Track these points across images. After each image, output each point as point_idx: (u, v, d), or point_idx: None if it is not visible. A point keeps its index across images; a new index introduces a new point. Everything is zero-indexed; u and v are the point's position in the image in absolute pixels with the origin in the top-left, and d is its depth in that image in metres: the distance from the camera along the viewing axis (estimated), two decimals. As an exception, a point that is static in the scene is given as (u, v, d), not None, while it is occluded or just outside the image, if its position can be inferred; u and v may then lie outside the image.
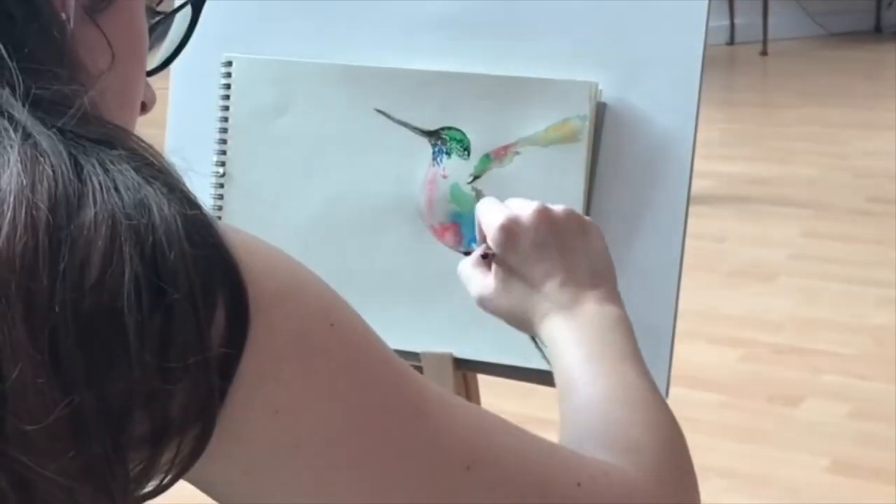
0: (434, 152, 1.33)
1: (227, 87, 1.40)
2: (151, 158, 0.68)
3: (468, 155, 1.32)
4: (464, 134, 1.32)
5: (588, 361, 0.96)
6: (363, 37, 1.39)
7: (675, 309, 1.27)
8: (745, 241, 3.84)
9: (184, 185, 0.68)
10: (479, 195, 1.32)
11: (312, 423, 0.67)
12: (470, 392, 1.38)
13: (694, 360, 2.92)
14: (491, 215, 1.06)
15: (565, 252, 1.04)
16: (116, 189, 0.63)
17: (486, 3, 1.34)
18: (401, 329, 1.33)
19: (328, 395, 0.68)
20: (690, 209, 1.28)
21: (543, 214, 1.04)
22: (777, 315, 3.27)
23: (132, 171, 0.65)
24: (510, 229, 1.04)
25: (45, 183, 0.62)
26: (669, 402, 1.29)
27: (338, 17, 1.39)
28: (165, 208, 0.65)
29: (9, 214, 0.61)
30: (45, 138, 0.64)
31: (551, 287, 1.03)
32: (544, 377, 1.31)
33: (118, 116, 0.77)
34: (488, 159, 1.32)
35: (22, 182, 0.62)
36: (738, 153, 4.71)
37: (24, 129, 0.64)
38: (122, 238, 0.62)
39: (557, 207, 1.05)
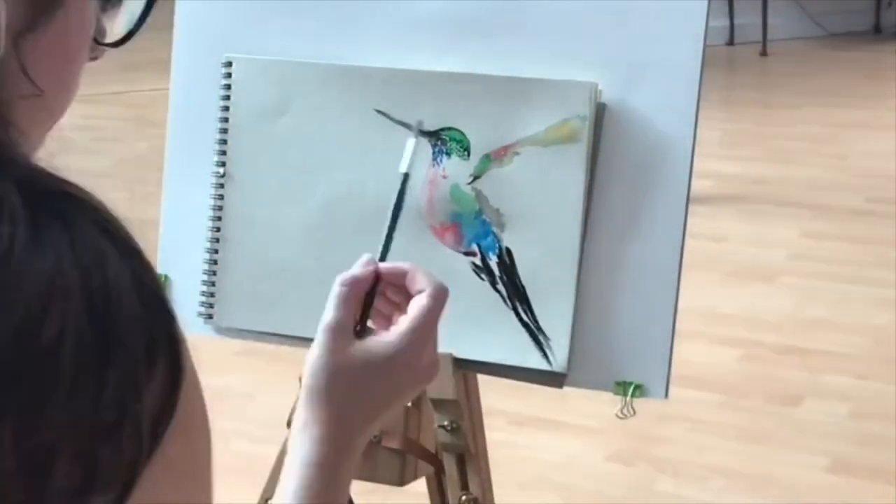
0: (434, 153, 1.33)
1: (228, 87, 1.40)
2: (101, 211, 0.66)
3: (468, 155, 1.32)
4: (464, 134, 1.32)
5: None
6: (363, 37, 1.39)
7: (675, 309, 1.28)
8: (745, 241, 3.84)
9: (134, 240, 0.66)
10: (479, 196, 1.32)
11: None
12: (470, 392, 1.38)
13: (694, 360, 2.91)
14: (425, 340, 0.99)
15: (388, 405, 0.99)
16: (72, 244, 0.61)
17: (486, 4, 1.34)
18: (401, 329, 1.33)
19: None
20: (690, 209, 1.28)
21: (426, 367, 0.99)
22: (777, 315, 3.27)
23: (88, 224, 0.63)
24: (410, 366, 0.98)
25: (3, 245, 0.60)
26: (669, 402, 1.30)
27: (338, 18, 1.39)
28: (118, 264, 0.63)
29: None
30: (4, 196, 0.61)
31: (346, 423, 0.97)
32: (544, 377, 1.31)
33: (46, 124, 0.75)
34: (488, 159, 1.32)
35: None
36: (738, 153, 4.71)
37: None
38: (68, 287, 0.60)
39: (427, 358, 0.99)
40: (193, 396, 0.67)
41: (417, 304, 0.99)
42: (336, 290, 1.00)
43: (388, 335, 0.98)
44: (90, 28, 0.76)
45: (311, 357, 0.98)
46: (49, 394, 0.60)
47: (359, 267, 1.02)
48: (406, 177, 1.11)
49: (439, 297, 1.00)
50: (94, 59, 0.79)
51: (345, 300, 1.00)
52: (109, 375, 0.61)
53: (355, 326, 0.99)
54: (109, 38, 0.80)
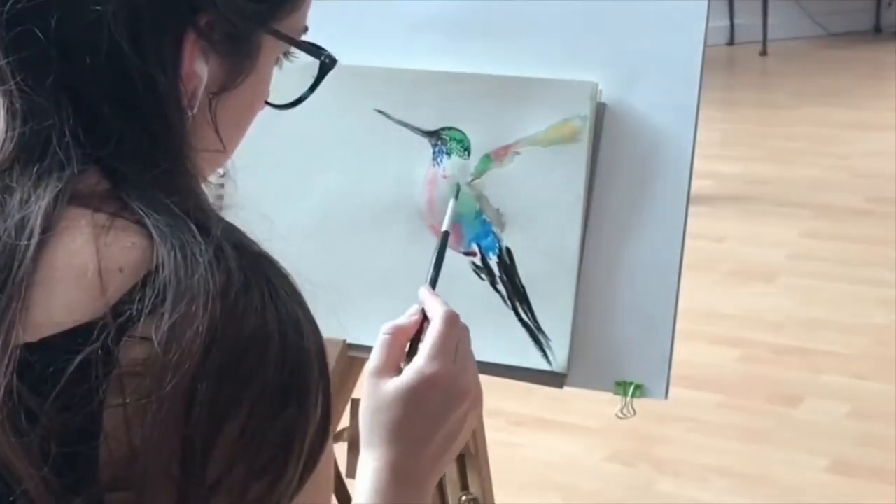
0: (434, 152, 1.33)
1: (227, 87, 1.40)
2: (288, 278, 0.77)
3: (468, 155, 1.32)
4: (464, 134, 1.32)
5: None
6: (363, 37, 1.39)
7: (675, 309, 1.27)
8: (745, 241, 3.84)
9: (309, 310, 0.77)
10: (479, 195, 1.32)
11: None
12: (470, 392, 1.38)
13: (694, 360, 2.91)
14: (440, 355, 1.01)
15: (447, 438, 1.01)
16: (276, 307, 0.71)
17: (487, 4, 1.34)
18: (401, 329, 1.33)
19: None
20: (690, 209, 1.28)
21: (462, 397, 1.01)
22: (777, 315, 3.27)
23: (285, 290, 0.74)
24: (435, 387, 1.00)
25: (226, 291, 0.70)
26: (669, 402, 1.30)
27: (337, 17, 1.39)
28: (312, 334, 0.74)
29: (193, 315, 0.68)
30: (230, 252, 0.72)
31: (412, 450, 0.99)
32: (544, 377, 1.31)
33: (215, 168, 0.87)
34: (488, 159, 1.32)
35: (209, 288, 0.69)
36: (738, 153, 4.71)
37: (216, 241, 0.72)
38: (276, 350, 0.70)
39: (477, 393, 1.03)
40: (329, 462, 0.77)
41: (429, 332, 1.02)
42: (380, 337, 1.04)
43: (409, 366, 1.00)
44: (268, 91, 0.86)
45: (360, 405, 1.02)
46: (229, 419, 0.68)
47: (406, 316, 1.05)
48: (447, 234, 1.16)
49: (447, 319, 1.02)
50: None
51: (386, 346, 1.02)
52: (286, 417, 0.70)
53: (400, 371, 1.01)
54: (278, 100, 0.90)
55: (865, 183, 4.25)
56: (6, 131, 0.74)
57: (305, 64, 0.91)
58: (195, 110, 0.77)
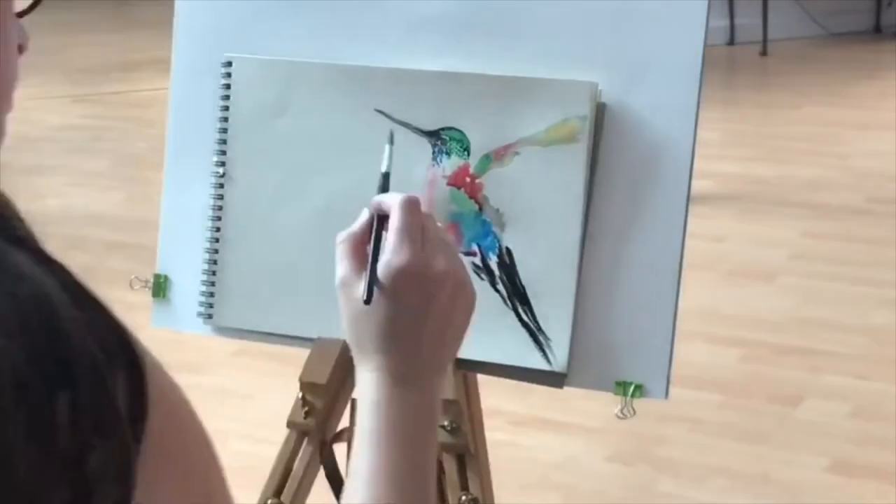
0: (434, 152, 1.33)
1: (227, 87, 1.40)
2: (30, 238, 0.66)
3: (468, 155, 1.32)
4: (463, 134, 1.32)
5: (391, 482, 0.93)
6: (363, 37, 1.39)
7: (675, 309, 1.27)
8: (745, 241, 3.83)
9: (39, 241, 0.65)
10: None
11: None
12: (470, 392, 1.38)
13: (694, 360, 2.91)
14: (402, 244, 0.97)
15: (441, 327, 0.96)
16: (13, 283, 0.61)
17: (487, 4, 1.34)
18: (401, 329, 1.33)
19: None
20: (690, 209, 1.28)
21: (444, 280, 0.96)
22: (777, 315, 3.27)
23: (23, 259, 0.63)
24: (408, 279, 0.95)
25: None
26: (669, 402, 1.30)
27: (338, 17, 1.39)
28: (44, 278, 0.62)
29: None
30: None
31: (406, 353, 0.95)
32: (544, 377, 1.31)
33: None
34: (488, 159, 1.32)
35: None
36: (737, 153, 4.70)
37: None
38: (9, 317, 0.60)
39: (461, 273, 0.98)
40: (163, 385, 0.67)
41: (390, 223, 0.98)
42: (337, 249, 0.99)
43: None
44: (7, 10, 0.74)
45: (343, 322, 0.98)
46: (17, 427, 0.60)
47: (357, 223, 1.01)
48: (387, 176, 1.10)
49: (405, 206, 0.98)
50: (18, 49, 0.77)
51: (345, 255, 0.99)
52: (77, 393, 0.61)
53: (369, 279, 0.97)
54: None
55: (865, 183, 4.25)
56: None
57: None
58: None
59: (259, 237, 1.40)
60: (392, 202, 0.99)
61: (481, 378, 1.38)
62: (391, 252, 0.96)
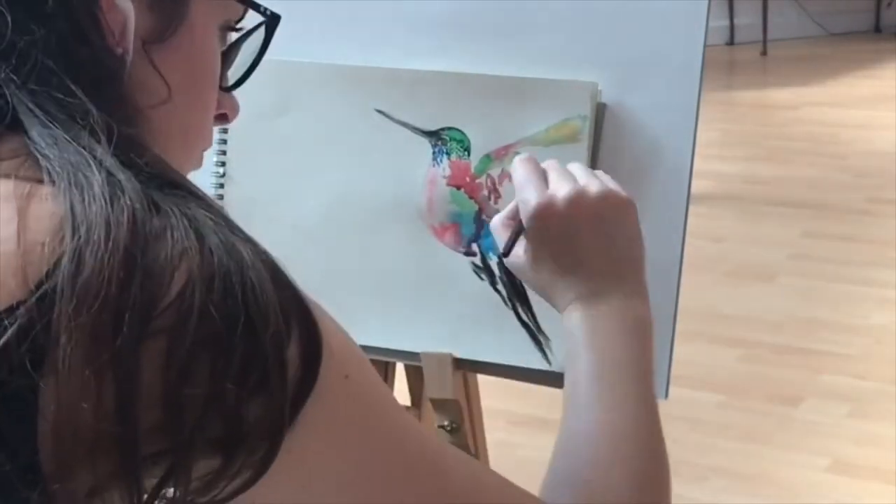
0: (434, 152, 1.33)
1: (227, 87, 1.40)
2: (213, 205, 0.73)
3: (468, 155, 1.32)
4: (464, 134, 1.32)
5: (595, 380, 0.96)
6: (363, 37, 1.39)
7: (675, 309, 1.27)
8: (745, 241, 3.84)
9: (243, 231, 0.74)
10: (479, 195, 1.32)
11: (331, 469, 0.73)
12: (470, 392, 1.38)
13: (694, 360, 2.92)
14: (526, 191, 1.03)
15: (596, 241, 1.01)
16: (198, 231, 0.68)
17: (487, 4, 1.34)
18: (401, 329, 1.33)
19: (352, 443, 0.74)
20: (690, 209, 1.28)
21: (577, 201, 1.01)
22: (777, 315, 3.27)
23: (205, 214, 0.70)
24: (542, 216, 1.01)
25: (126, 216, 0.66)
26: (669, 402, 1.30)
27: (338, 17, 1.39)
28: (250, 252, 0.71)
29: (93, 244, 0.65)
30: (124, 177, 0.68)
31: (577, 277, 1.01)
32: (544, 377, 1.31)
33: (180, 140, 0.82)
34: (489, 159, 1.32)
35: (107, 215, 0.66)
36: (737, 153, 4.71)
37: (106, 167, 0.69)
38: (200, 275, 0.67)
39: (593, 188, 1.02)
40: (341, 373, 0.72)
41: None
42: (492, 227, 1.10)
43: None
44: (214, 56, 0.84)
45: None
46: (191, 355, 0.65)
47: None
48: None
49: (515, 166, 1.06)
50: (223, 117, 0.90)
51: (497, 234, 1.09)
52: (252, 351, 0.67)
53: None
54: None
55: (865, 183, 4.25)
56: None
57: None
58: (130, 54, 0.76)
59: (259, 237, 1.40)
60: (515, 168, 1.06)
61: (481, 378, 1.38)
62: (517, 199, 1.04)
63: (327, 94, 1.37)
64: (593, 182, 1.03)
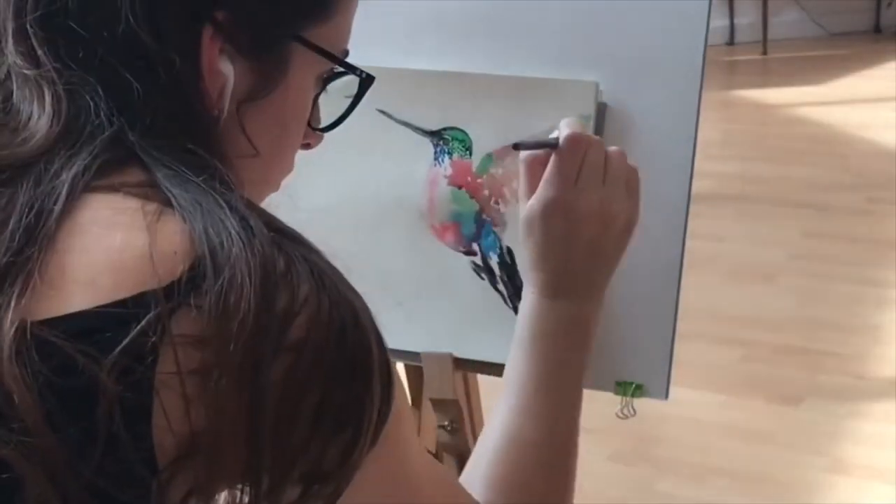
0: (436, 152, 1.33)
1: (228, 86, 1.40)
2: (323, 254, 0.80)
3: (470, 155, 1.32)
4: (465, 133, 1.32)
5: (545, 385, 1.03)
6: (364, 36, 1.39)
7: (675, 309, 1.27)
8: (745, 241, 3.84)
9: (348, 282, 0.80)
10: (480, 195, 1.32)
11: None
12: (470, 392, 1.38)
13: (694, 360, 2.92)
14: (557, 178, 1.05)
15: (591, 255, 1.06)
16: (320, 279, 0.75)
17: (487, 4, 1.34)
18: (401, 329, 1.33)
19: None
20: (690, 209, 1.28)
21: (596, 215, 1.05)
22: (777, 315, 3.27)
23: (324, 262, 0.78)
24: (552, 212, 1.04)
25: (258, 259, 0.72)
26: (670, 402, 1.30)
27: (338, 17, 1.39)
28: (359, 306, 0.77)
29: (240, 285, 0.70)
30: (254, 222, 0.74)
31: (558, 269, 1.05)
32: (545, 377, 1.31)
33: (261, 185, 0.89)
34: (490, 159, 1.32)
35: (246, 256, 0.71)
36: (737, 153, 4.71)
37: (238, 211, 0.74)
38: (320, 322, 0.72)
39: (614, 207, 1.06)
40: (402, 417, 0.80)
41: (551, 157, 1.06)
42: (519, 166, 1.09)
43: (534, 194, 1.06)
44: (307, 108, 0.90)
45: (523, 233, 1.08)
46: (305, 392, 0.72)
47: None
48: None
49: (568, 142, 1.06)
50: (306, 146, 0.95)
51: (524, 175, 1.08)
52: (350, 393, 0.73)
53: None
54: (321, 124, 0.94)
55: (865, 183, 4.25)
56: (53, 115, 0.77)
57: (343, 85, 0.95)
58: (224, 113, 0.80)
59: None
60: (562, 134, 1.07)
61: (481, 378, 1.38)
62: (542, 185, 1.05)
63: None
64: (614, 201, 1.06)
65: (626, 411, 1.28)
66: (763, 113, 5.31)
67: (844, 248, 3.72)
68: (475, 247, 1.33)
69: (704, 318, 3.17)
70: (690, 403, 2.74)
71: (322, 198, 1.37)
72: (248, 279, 0.70)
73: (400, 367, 1.42)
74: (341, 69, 0.93)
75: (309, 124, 0.92)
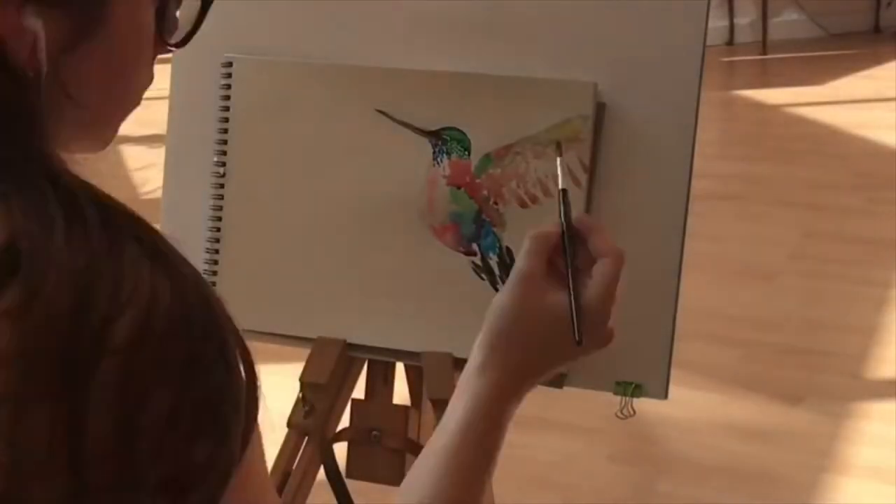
0: (434, 152, 1.33)
1: (227, 87, 1.40)
2: (162, 236, 0.70)
3: (468, 155, 1.32)
4: (464, 134, 1.32)
5: (449, 471, 0.99)
6: (363, 37, 1.39)
7: (675, 309, 1.27)
8: (745, 241, 3.83)
9: (186, 259, 0.70)
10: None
11: None
12: (470, 392, 1.38)
13: (693, 360, 2.91)
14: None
15: (557, 357, 1.02)
16: (159, 265, 0.66)
17: (487, 4, 1.34)
18: (401, 329, 1.33)
19: None
20: (690, 209, 1.28)
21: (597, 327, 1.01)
22: (777, 315, 3.27)
23: (161, 247, 0.67)
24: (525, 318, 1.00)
25: (91, 251, 0.64)
26: (670, 402, 1.30)
27: (338, 17, 1.39)
28: (208, 288, 0.69)
29: (55, 283, 0.63)
30: (90, 208, 0.66)
31: (523, 367, 1.01)
32: (544, 377, 1.31)
33: (95, 126, 0.78)
34: (489, 159, 1.32)
35: (67, 249, 0.64)
36: (737, 153, 4.70)
37: (67, 198, 0.66)
38: (162, 305, 0.65)
39: (607, 326, 1.01)
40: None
41: (599, 271, 1.00)
42: (526, 243, 1.02)
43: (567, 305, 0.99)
44: (142, 36, 0.77)
45: (500, 301, 1.00)
46: (148, 385, 0.64)
47: (550, 225, 1.04)
48: (564, 192, 1.07)
49: (618, 262, 1.00)
50: (164, 52, 0.81)
51: (534, 254, 1.01)
52: (200, 382, 0.66)
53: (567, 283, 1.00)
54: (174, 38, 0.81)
55: (865, 183, 4.25)
56: None
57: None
58: (44, 71, 0.70)
59: (259, 237, 1.40)
60: (609, 246, 1.00)
61: (481, 378, 1.38)
62: (594, 301, 0.99)
63: (327, 94, 1.37)
64: (602, 313, 1.01)
65: (625, 411, 1.28)
66: (763, 113, 5.31)
67: (844, 248, 3.71)
68: (474, 247, 1.33)
69: (704, 318, 3.16)
70: (690, 403, 2.74)
71: (321, 198, 1.37)
72: (63, 272, 0.62)
73: (400, 368, 1.42)
74: None
75: (163, 39, 0.79)
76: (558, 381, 1.31)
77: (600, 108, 1.29)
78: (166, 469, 0.64)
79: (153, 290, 0.64)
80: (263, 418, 0.73)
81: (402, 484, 0.99)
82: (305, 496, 1.39)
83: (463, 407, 1.00)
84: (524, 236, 1.29)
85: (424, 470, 0.98)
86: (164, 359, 0.64)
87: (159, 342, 0.64)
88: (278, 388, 1.75)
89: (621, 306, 1.29)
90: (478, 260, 1.32)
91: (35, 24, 0.69)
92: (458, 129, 1.32)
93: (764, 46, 6.29)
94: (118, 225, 0.67)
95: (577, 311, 0.98)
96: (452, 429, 0.99)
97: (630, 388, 1.28)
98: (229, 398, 0.67)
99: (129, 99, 0.79)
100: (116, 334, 0.62)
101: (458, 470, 0.98)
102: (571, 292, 0.99)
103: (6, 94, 0.69)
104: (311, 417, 1.37)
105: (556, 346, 1.00)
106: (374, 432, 1.38)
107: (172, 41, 0.80)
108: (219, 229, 1.41)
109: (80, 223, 0.65)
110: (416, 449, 1.40)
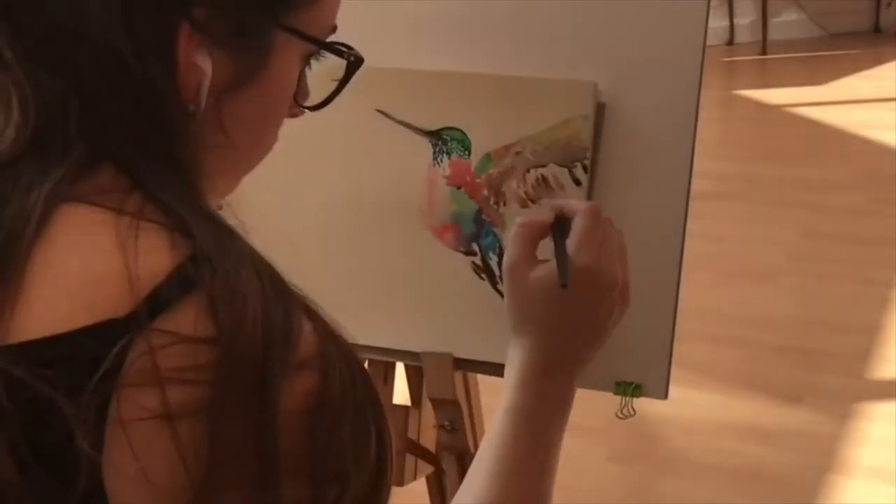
0: (434, 152, 1.33)
1: (228, 87, 1.40)
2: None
3: (469, 155, 1.32)
4: (464, 134, 1.32)
5: (539, 468, 1.02)
6: (364, 37, 1.38)
7: (675, 309, 1.27)
8: (745, 241, 3.84)
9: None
10: (479, 195, 1.32)
11: None
12: (469, 392, 1.38)
13: (694, 360, 2.92)
14: (584, 249, 1.03)
15: (585, 321, 1.03)
16: (316, 318, 0.73)
17: (487, 4, 1.34)
18: (401, 329, 1.33)
19: None
20: (690, 209, 1.28)
21: (594, 281, 1.02)
22: (777, 315, 3.27)
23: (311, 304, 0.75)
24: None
25: (270, 291, 0.72)
26: (670, 402, 1.30)
27: (338, 17, 1.39)
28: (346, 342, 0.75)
29: (252, 314, 0.69)
30: (251, 251, 0.74)
31: (550, 342, 1.03)
32: (544, 377, 1.31)
33: (234, 171, 0.87)
34: (489, 159, 1.32)
35: (255, 287, 0.70)
36: (738, 153, 4.71)
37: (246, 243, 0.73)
38: (344, 362, 0.72)
39: (612, 274, 1.03)
40: None
41: (574, 226, 1.04)
42: (513, 230, 1.06)
43: (553, 261, 1.03)
44: (290, 90, 0.85)
45: (505, 299, 1.05)
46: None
47: (539, 215, 1.08)
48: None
49: (590, 213, 1.04)
50: (293, 115, 0.90)
51: (520, 240, 1.05)
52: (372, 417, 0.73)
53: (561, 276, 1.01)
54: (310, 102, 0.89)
55: (865, 183, 4.25)
56: (21, 121, 0.74)
57: (333, 66, 0.90)
58: (202, 107, 0.77)
59: (258, 237, 1.40)
60: (576, 207, 1.05)
61: (481, 378, 1.38)
62: (573, 253, 1.02)
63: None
64: (627, 275, 1.05)
65: (625, 411, 1.28)
66: (763, 113, 5.31)
67: (844, 248, 3.72)
68: (475, 247, 1.33)
69: (704, 318, 3.17)
70: (690, 403, 2.74)
71: (321, 198, 1.37)
72: (255, 306, 0.68)
73: (400, 368, 1.42)
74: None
75: (295, 99, 0.88)
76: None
77: (600, 108, 1.29)
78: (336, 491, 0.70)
79: (321, 343, 0.71)
80: None
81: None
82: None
83: (504, 399, 1.03)
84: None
85: (473, 472, 1.00)
86: (341, 397, 0.70)
87: (342, 394, 0.70)
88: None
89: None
90: (478, 260, 1.32)
91: (205, 62, 0.76)
92: (458, 129, 1.32)
93: (764, 46, 6.29)
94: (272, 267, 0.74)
95: (558, 256, 1.01)
96: (498, 425, 1.02)
97: (630, 388, 1.28)
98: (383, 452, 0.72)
99: (268, 148, 0.88)
100: (301, 352, 0.69)
101: (515, 463, 1.01)
102: (556, 244, 1.03)
103: (172, 122, 0.75)
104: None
105: (557, 311, 1.02)
106: (374, 432, 1.38)
107: (305, 103, 0.90)
108: (219, 229, 1.41)
109: (258, 268, 0.72)
110: (416, 449, 1.40)
